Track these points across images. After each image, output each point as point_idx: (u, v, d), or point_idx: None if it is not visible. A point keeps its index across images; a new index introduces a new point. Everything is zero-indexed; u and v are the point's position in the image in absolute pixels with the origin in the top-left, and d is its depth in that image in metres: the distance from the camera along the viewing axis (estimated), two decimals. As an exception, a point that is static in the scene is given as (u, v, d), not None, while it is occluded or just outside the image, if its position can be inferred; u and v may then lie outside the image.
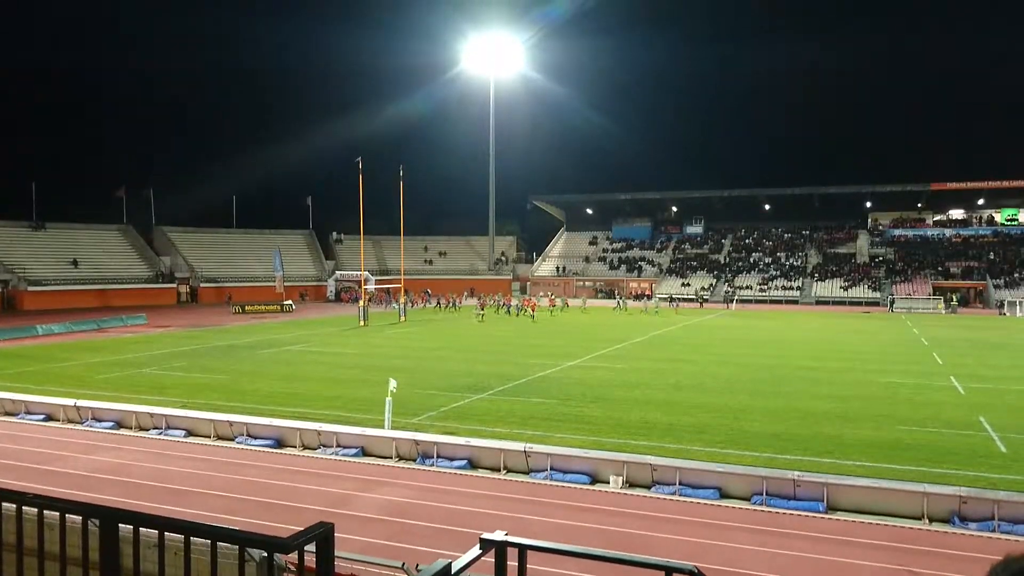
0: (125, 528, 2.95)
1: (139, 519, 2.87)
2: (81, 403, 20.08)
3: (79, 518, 3.02)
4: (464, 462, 15.42)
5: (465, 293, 78.34)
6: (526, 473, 14.92)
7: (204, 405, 20.70)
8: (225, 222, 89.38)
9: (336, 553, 2.87)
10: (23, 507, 3.18)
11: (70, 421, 19.89)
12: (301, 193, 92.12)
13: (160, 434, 18.47)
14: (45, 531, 3.12)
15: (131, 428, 19.02)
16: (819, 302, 74.50)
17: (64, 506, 3.03)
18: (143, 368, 29.17)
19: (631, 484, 14.14)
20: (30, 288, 65.61)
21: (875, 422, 19.04)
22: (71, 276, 70.03)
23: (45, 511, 3.10)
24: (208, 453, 16.88)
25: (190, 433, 18.38)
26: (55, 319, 49.13)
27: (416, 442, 16.02)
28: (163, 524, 2.82)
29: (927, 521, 12.23)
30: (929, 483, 12.90)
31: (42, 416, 20.35)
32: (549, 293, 73.28)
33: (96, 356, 33.01)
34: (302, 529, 2.62)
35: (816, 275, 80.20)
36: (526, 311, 57.09)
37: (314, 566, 2.68)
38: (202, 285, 78.09)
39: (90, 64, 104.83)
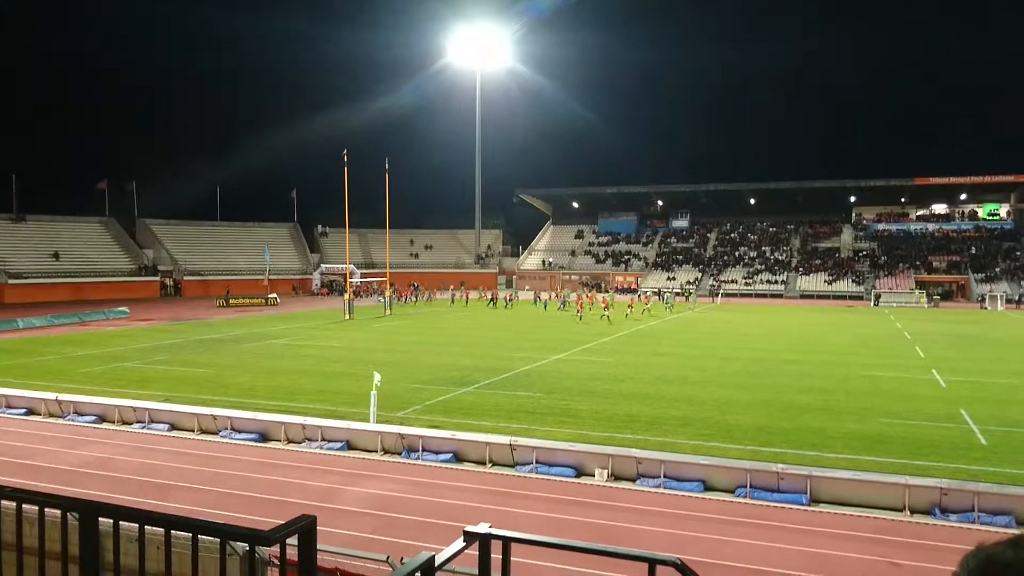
0: (105, 522, 2.92)
1: (119, 513, 2.84)
2: (63, 397, 19.90)
3: (58, 512, 2.98)
4: (450, 456, 15.42)
5: (454, 286, 78.05)
6: (512, 466, 14.94)
7: (188, 399, 20.56)
8: (209, 215, 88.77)
9: (320, 547, 2.86)
10: (1, 501, 3.14)
11: (52, 415, 19.71)
12: (286, 186, 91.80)
13: (143, 428, 18.34)
14: (24, 525, 3.08)
15: (114, 422, 18.88)
16: (803, 296, 74.95)
17: (43, 500, 2.99)
18: (126, 362, 28.94)
19: (616, 477, 14.20)
20: (10, 281, 64.87)
21: (858, 415, 19.20)
22: (52, 269, 69.31)
23: (24, 505, 3.07)
24: (192, 447, 16.78)
25: (173, 427, 18.26)
26: (36, 312, 48.63)
27: (401, 436, 16.00)
28: (144, 518, 2.79)
29: (909, 513, 12.37)
30: (911, 475, 13.03)
31: (23, 410, 20.16)
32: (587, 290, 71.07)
33: (78, 350, 32.72)
34: (284, 523, 2.60)
35: (800, 269, 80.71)
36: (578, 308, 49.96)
37: (296, 559, 2.67)
38: (185, 278, 77.53)
39: (71, 55, 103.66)
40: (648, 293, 64.98)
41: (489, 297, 64.60)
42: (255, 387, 23.29)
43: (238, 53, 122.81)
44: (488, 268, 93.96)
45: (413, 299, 69.37)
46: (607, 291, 74.47)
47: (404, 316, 51.81)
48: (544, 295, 67.30)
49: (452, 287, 74.43)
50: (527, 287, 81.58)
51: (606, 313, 47.85)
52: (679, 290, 74.07)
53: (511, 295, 66.65)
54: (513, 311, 57.47)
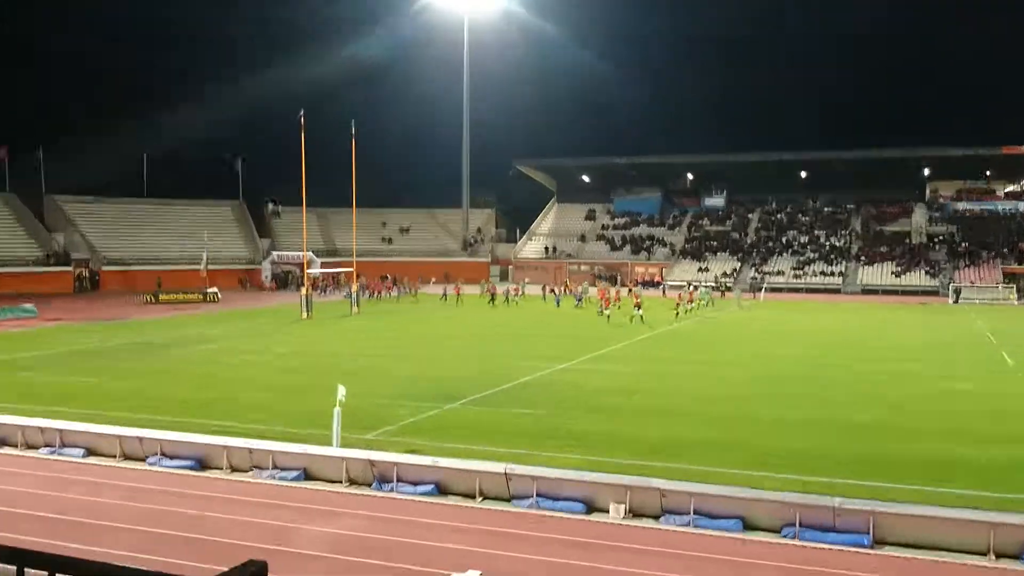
0: (6, 569, 2.92)
1: (25, 558, 2.84)
2: (-47, 415, 19.85)
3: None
4: (431, 487, 15.44)
5: (436, 279, 78.04)
6: (507, 500, 14.97)
7: (108, 417, 20.47)
8: (134, 191, 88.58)
9: (271, 599, 2.87)
10: None
11: (-60, 437, 19.66)
12: (229, 155, 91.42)
13: (52, 453, 18.31)
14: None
15: (16, 446, 18.83)
16: (865, 291, 75.15)
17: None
18: (31, 371, 28.87)
19: (635, 513, 14.23)
20: None
21: (932, 436, 19.29)
22: (-60, 257, 69.16)
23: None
24: (113, 476, 16.77)
25: (90, 452, 18.23)
26: (-80, 310, 48.52)
27: (371, 462, 16.01)
28: (57, 564, 2.80)
29: (993, 557, 12.41)
30: (996, 511, 13.08)
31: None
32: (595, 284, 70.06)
33: (-28, 357, 32.69)
34: (229, 569, 2.61)
35: (862, 258, 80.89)
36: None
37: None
38: (105, 268, 77.38)
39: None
40: (693, 288, 63.66)
41: (490, 293, 62.54)
42: (191, 402, 23.27)
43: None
44: (478, 256, 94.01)
45: (395, 294, 68.53)
46: (628, 285, 74.54)
47: (375, 315, 51.81)
48: (559, 289, 66.72)
49: (435, 279, 74.09)
50: (527, 279, 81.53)
51: (639, 312, 45.48)
52: (714, 284, 74.16)
53: (518, 288, 65.32)
54: (515, 309, 57.39)
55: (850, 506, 13.24)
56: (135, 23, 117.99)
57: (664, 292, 69.40)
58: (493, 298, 61.06)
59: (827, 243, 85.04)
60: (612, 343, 37.06)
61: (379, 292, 67.99)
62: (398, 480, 15.69)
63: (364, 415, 21.09)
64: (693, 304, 53.34)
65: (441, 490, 15.47)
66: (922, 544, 12.75)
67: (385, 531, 13.61)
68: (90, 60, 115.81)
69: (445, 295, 64.56)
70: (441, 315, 52.80)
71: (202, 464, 17.31)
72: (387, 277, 76.68)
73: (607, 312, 47.10)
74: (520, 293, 64.18)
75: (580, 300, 59.54)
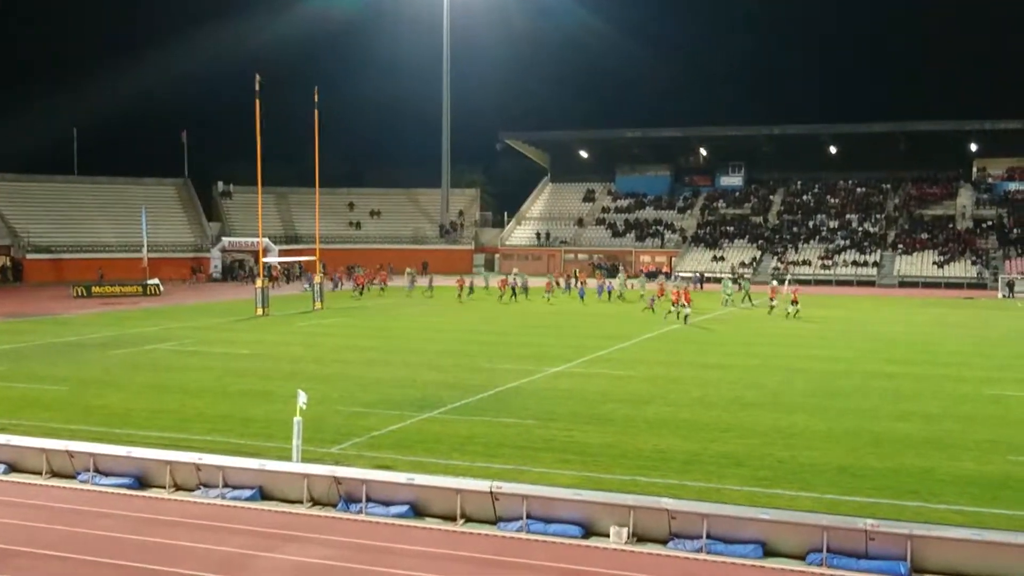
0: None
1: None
2: None
3: None
4: (405, 508, 15.42)
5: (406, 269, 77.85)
6: (493, 523, 14.96)
7: (32, 428, 20.46)
8: (62, 167, 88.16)
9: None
10: None
11: None
12: (172, 127, 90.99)
13: (-31, 470, 18.24)
14: None
15: (-74, 461, 18.75)
16: (903, 283, 75.44)
17: None
18: (-56, 375, 28.78)
19: (640, 538, 14.24)
20: None
21: (979, 450, 19.35)
22: None
23: None
24: (39, 496, 16.70)
25: (12, 468, 18.15)
26: None
27: (337, 479, 15.98)
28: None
29: (1048, 586, 12.48)
30: (1051, 534, 13.13)
31: None
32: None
33: None
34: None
35: (900, 246, 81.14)
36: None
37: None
38: (29, 256, 76.99)
39: None
40: (775, 283, 61.57)
41: (510, 287, 60.21)
42: (129, 411, 23.26)
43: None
44: (460, 243, 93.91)
45: (402, 284, 67.28)
46: (635, 275, 74.60)
47: (342, 311, 51.74)
48: (593, 281, 65.89)
49: (410, 268, 73.73)
50: (515, 269, 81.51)
51: (686, 310, 44.84)
52: (732, 275, 74.32)
53: (550, 284, 62.60)
54: (535, 306, 57.18)
55: (885, 529, 13.26)
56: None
57: (675, 284, 69.44)
58: (514, 292, 59.96)
59: (860, 229, 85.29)
60: (613, 344, 37.11)
61: (362, 284, 66.95)
62: (367, 500, 15.66)
63: (328, 425, 21.11)
64: (774, 302, 50.79)
65: (417, 511, 15.45)
66: (967, 572, 12.79)
67: (352, 559, 13.58)
68: (9, 18, 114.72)
69: (461, 293, 60.77)
70: (417, 312, 52.75)
71: (142, 482, 17.23)
72: (355, 268, 76.55)
73: (678, 310, 45.83)
74: (552, 290, 61.70)
75: (609, 293, 58.77)
